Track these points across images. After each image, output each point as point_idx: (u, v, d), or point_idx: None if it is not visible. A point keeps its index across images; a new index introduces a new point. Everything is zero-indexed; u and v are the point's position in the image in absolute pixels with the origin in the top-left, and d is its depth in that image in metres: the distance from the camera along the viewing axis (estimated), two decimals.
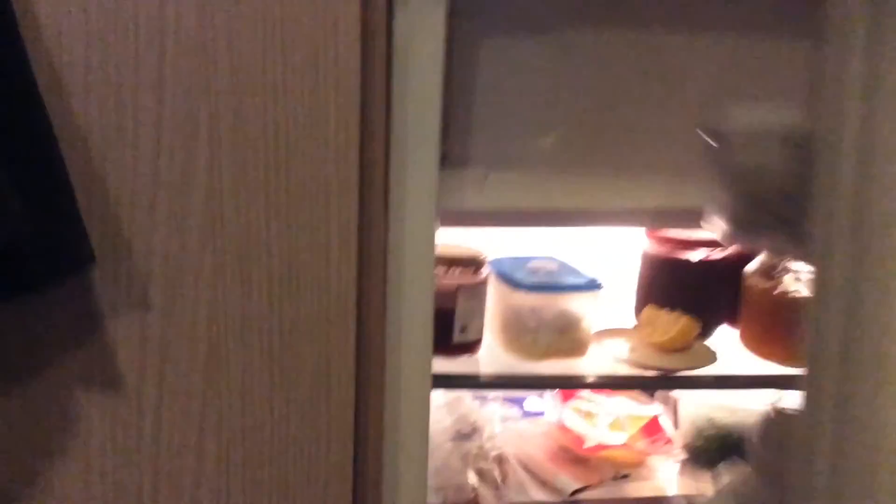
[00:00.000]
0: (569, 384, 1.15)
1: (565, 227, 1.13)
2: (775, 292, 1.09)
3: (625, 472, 1.17)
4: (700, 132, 0.94)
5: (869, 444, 0.66)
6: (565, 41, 0.98)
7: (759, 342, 1.11)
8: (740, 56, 1.03)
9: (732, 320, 1.15)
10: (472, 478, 1.11)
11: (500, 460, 1.15)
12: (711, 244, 1.13)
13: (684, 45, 1.01)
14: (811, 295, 0.74)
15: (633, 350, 1.10)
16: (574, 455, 1.17)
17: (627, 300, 1.19)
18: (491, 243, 1.11)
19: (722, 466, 1.15)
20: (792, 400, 1.20)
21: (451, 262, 1.04)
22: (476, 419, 1.15)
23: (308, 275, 0.77)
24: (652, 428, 1.19)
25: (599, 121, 1.01)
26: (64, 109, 0.69)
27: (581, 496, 1.12)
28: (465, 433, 1.13)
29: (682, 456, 1.17)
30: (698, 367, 1.08)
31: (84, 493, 0.76)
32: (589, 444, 1.16)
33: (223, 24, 0.71)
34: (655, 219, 1.10)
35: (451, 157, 0.94)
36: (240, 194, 0.74)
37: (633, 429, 1.19)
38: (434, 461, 1.05)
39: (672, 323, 1.09)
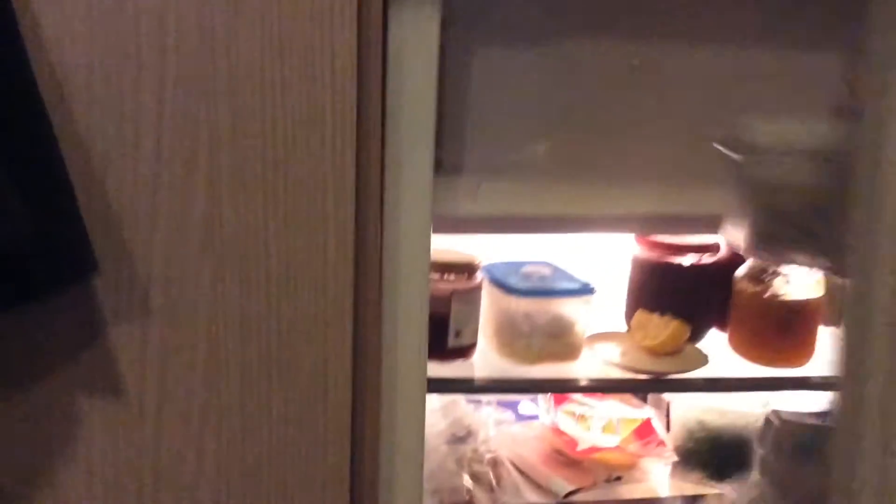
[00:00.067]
0: (562, 388, 1.15)
1: (557, 233, 1.14)
2: (765, 296, 1.10)
3: (617, 474, 1.17)
4: (719, 146, 0.94)
5: None
6: (557, 51, 0.99)
7: (748, 345, 1.13)
8: (731, 65, 1.03)
9: (722, 324, 1.16)
10: (467, 480, 1.11)
11: (495, 463, 1.16)
12: (701, 249, 1.14)
13: (674, 54, 1.02)
14: (848, 306, 0.74)
15: (624, 354, 1.11)
16: (567, 458, 1.17)
17: (619, 305, 1.19)
18: (485, 248, 1.11)
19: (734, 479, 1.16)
20: (782, 403, 1.22)
21: (446, 267, 1.05)
22: (471, 423, 1.15)
23: (305, 280, 0.78)
24: (644, 430, 1.19)
25: (591, 129, 1.02)
26: (64, 115, 0.70)
27: (574, 498, 1.13)
28: (460, 436, 1.13)
29: (674, 458, 1.18)
30: (689, 370, 1.09)
31: (86, 495, 0.77)
32: (582, 446, 1.16)
33: (223, 29, 0.72)
34: (646, 225, 1.11)
35: (445, 165, 0.94)
36: (239, 199, 0.75)
37: (626, 431, 1.19)
38: (429, 464, 1.05)
39: (662, 327, 1.11)
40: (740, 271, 1.13)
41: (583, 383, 1.09)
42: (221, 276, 0.76)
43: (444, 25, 0.83)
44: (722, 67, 1.03)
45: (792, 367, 1.12)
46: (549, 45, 0.99)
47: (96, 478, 0.77)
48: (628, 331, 1.15)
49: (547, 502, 1.13)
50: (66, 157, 0.68)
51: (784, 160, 0.91)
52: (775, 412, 1.04)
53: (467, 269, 1.07)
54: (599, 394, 1.23)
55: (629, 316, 1.16)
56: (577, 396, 1.23)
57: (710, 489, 1.18)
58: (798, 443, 0.95)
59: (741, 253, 1.07)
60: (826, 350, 1.16)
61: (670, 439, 1.19)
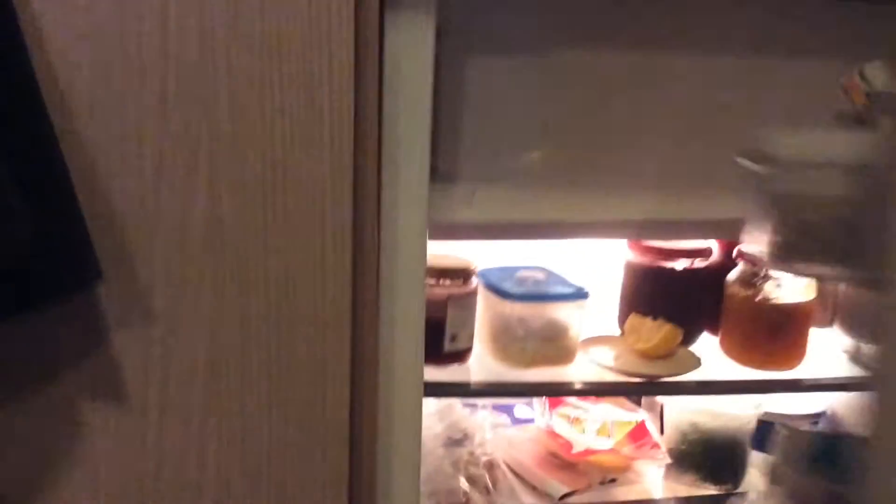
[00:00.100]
0: (556, 391, 1.15)
1: (552, 239, 1.14)
2: (756, 300, 1.11)
3: (612, 476, 1.18)
4: (741, 159, 0.94)
5: None
6: (550, 60, 0.99)
7: (739, 349, 1.13)
8: (725, 73, 1.04)
9: (713, 328, 1.17)
10: (464, 483, 1.11)
11: (491, 466, 1.16)
12: (692, 254, 1.14)
13: (666, 62, 1.03)
14: (885, 318, 0.74)
15: (618, 357, 1.11)
16: (562, 460, 1.18)
17: (612, 309, 1.20)
18: (480, 254, 1.11)
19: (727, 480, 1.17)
20: (774, 405, 1.23)
21: (442, 272, 1.05)
22: (467, 426, 1.16)
23: (304, 285, 0.78)
24: (638, 433, 1.19)
25: (583, 137, 1.03)
26: (66, 122, 0.71)
27: (569, 500, 1.13)
28: (457, 439, 1.14)
29: (668, 460, 1.18)
30: (681, 374, 1.09)
31: (90, 499, 0.77)
32: (577, 449, 1.16)
33: (222, 46, 0.73)
34: (639, 230, 1.11)
35: (440, 172, 0.94)
36: (238, 209, 0.76)
37: (620, 434, 1.19)
38: (426, 467, 1.05)
39: (655, 331, 1.11)
40: (731, 275, 1.14)
41: (577, 387, 1.09)
42: (221, 280, 0.76)
43: (440, 34, 0.83)
44: (716, 75, 1.04)
45: (783, 369, 1.13)
46: (543, 54, 0.99)
47: (100, 481, 0.77)
48: (622, 335, 1.16)
49: None
50: (72, 175, 0.69)
51: (808, 172, 0.90)
52: (783, 424, 1.02)
53: (463, 274, 1.07)
54: (594, 397, 1.23)
55: (622, 320, 1.17)
56: (572, 400, 1.23)
57: (704, 490, 1.19)
58: (809, 452, 0.94)
59: (763, 263, 1.08)
60: (816, 353, 1.18)
61: (664, 442, 1.19)
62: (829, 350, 1.21)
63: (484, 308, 1.11)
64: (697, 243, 1.16)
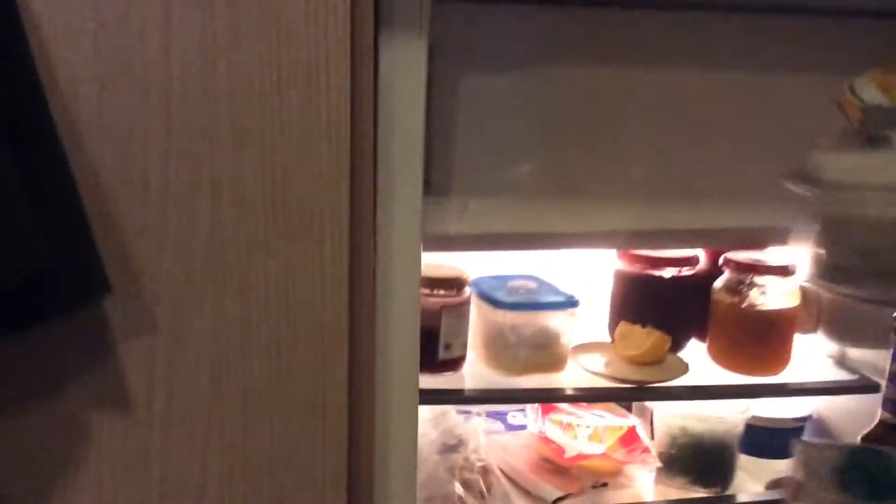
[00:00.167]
0: (548, 397, 1.16)
1: (543, 249, 1.15)
2: (741, 306, 1.12)
3: (604, 480, 1.18)
4: (789, 182, 0.95)
5: None
6: (539, 76, 1.01)
7: (726, 354, 1.15)
8: (706, 88, 1.06)
9: (701, 334, 1.18)
10: (458, 488, 1.12)
11: (485, 471, 1.16)
12: (680, 262, 1.16)
13: (652, 77, 1.04)
14: None
15: (608, 364, 1.12)
16: (555, 465, 1.18)
17: (603, 317, 1.21)
18: (473, 264, 1.13)
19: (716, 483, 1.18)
20: (761, 409, 1.25)
21: (436, 282, 1.06)
22: (461, 432, 1.16)
23: (303, 297, 0.79)
24: (629, 438, 1.20)
25: (573, 150, 1.04)
26: (74, 141, 0.72)
27: None
28: (451, 446, 1.14)
29: (658, 464, 1.19)
30: (670, 379, 1.11)
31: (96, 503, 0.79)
32: (569, 454, 1.17)
33: (224, 68, 0.75)
34: (627, 240, 1.12)
35: (434, 186, 0.96)
36: (240, 229, 0.77)
37: (612, 439, 1.19)
38: (422, 472, 1.07)
39: (644, 338, 1.13)
40: (718, 283, 1.15)
41: (569, 393, 1.10)
42: (224, 294, 0.78)
43: (432, 53, 0.85)
44: (701, 89, 1.06)
45: (769, 374, 1.14)
46: (533, 71, 1.01)
47: (106, 485, 0.78)
48: (612, 342, 1.17)
49: None
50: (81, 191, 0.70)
51: (861, 194, 0.91)
52: (801, 441, 1.01)
53: (456, 284, 1.08)
54: (585, 403, 1.24)
55: (612, 327, 1.18)
56: (564, 406, 1.24)
57: (694, 493, 1.20)
58: (834, 467, 0.94)
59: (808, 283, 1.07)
60: (802, 358, 1.20)
61: (654, 446, 1.20)
62: (814, 355, 1.24)
63: (477, 317, 1.12)
64: (684, 252, 1.17)
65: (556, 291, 1.15)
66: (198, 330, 0.78)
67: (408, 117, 0.85)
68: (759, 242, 1.16)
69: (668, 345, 1.14)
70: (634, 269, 1.17)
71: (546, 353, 1.11)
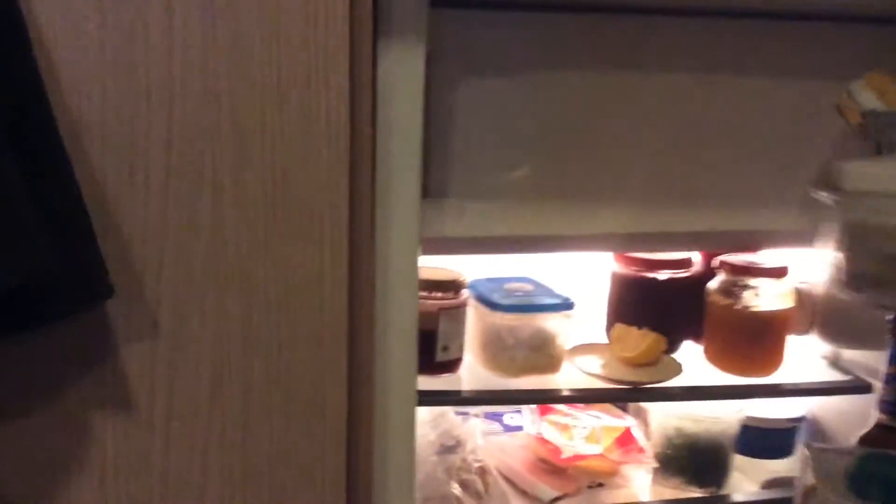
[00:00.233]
0: (545, 398, 1.17)
1: (539, 252, 1.15)
2: (735, 308, 1.13)
3: (600, 480, 1.18)
4: (814, 189, 0.95)
5: None
6: (535, 81, 1.01)
7: (720, 355, 1.15)
8: (700, 92, 1.06)
9: (696, 335, 1.19)
10: (456, 488, 1.12)
11: (483, 472, 1.17)
12: (675, 264, 1.16)
13: (647, 81, 1.05)
14: None
15: (604, 365, 1.13)
16: (552, 466, 1.18)
17: (599, 318, 1.21)
18: (470, 266, 1.13)
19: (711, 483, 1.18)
20: (755, 410, 1.25)
21: (433, 285, 1.06)
22: (459, 433, 1.16)
23: (303, 299, 0.80)
24: (625, 439, 1.20)
25: (569, 154, 1.04)
26: (79, 149, 0.73)
27: None
28: (449, 446, 1.14)
29: (654, 464, 1.20)
30: (665, 380, 1.11)
31: (98, 503, 0.80)
32: (566, 455, 1.17)
33: (226, 78, 0.76)
34: (623, 243, 1.13)
35: (432, 189, 0.97)
36: (240, 230, 0.78)
37: (608, 440, 1.20)
38: (420, 473, 1.07)
39: (640, 339, 1.13)
40: (711, 285, 1.16)
41: (565, 394, 1.11)
42: (225, 297, 0.79)
43: (430, 59, 0.86)
44: (695, 93, 1.06)
45: (763, 375, 1.15)
46: (530, 75, 1.01)
47: (109, 486, 0.79)
48: (608, 343, 1.18)
49: None
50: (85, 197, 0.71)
51: (876, 202, 0.90)
52: (808, 444, 0.99)
53: (453, 286, 1.09)
54: (582, 404, 1.24)
55: (609, 329, 1.18)
56: (561, 407, 1.24)
57: (690, 493, 1.20)
58: (847, 472, 0.93)
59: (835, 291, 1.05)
60: (796, 359, 1.20)
61: (650, 447, 1.21)
62: (808, 356, 1.24)
63: (474, 319, 1.13)
64: (679, 254, 1.18)
65: (553, 294, 1.15)
66: (198, 331, 0.79)
67: (406, 121, 0.86)
68: (753, 245, 1.17)
69: (664, 346, 1.14)
70: (630, 271, 1.17)
71: (542, 354, 1.12)
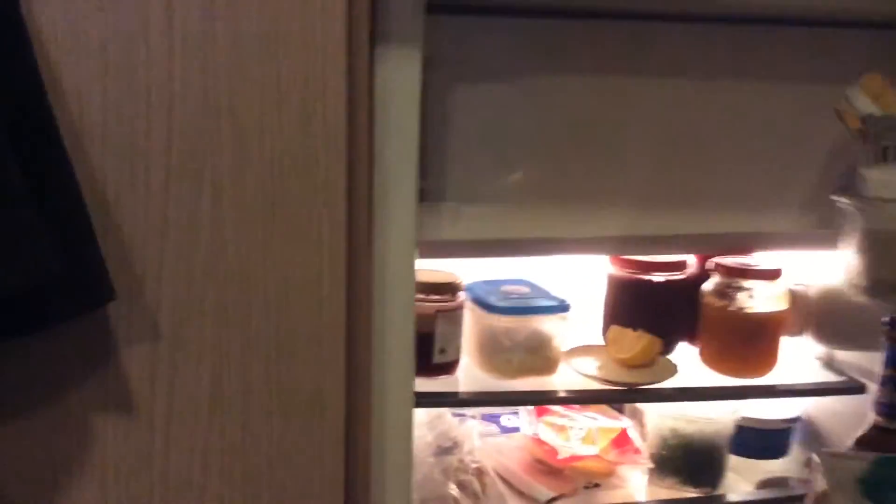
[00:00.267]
0: (541, 400, 1.17)
1: (535, 255, 1.16)
2: (730, 310, 1.14)
3: (596, 481, 1.19)
4: (838, 196, 0.96)
5: None
6: (531, 86, 1.02)
7: (715, 357, 1.16)
8: (695, 97, 1.07)
9: (691, 337, 1.20)
10: (454, 489, 1.13)
11: (480, 473, 1.17)
12: (670, 267, 1.17)
13: (642, 86, 1.05)
14: None
15: (600, 367, 1.13)
16: (548, 466, 1.19)
17: (595, 320, 1.22)
18: (467, 269, 1.14)
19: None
20: (750, 410, 1.26)
21: (430, 288, 1.07)
22: (456, 435, 1.16)
23: (302, 303, 0.81)
24: (621, 440, 1.20)
25: (564, 158, 1.05)
26: (84, 165, 0.74)
27: None
28: (447, 448, 1.14)
29: (650, 465, 1.20)
30: (660, 381, 1.12)
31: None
32: (562, 455, 1.17)
33: (225, 86, 0.77)
34: (618, 246, 1.14)
35: (428, 193, 0.97)
36: (240, 235, 0.79)
37: (604, 441, 1.20)
38: (418, 474, 1.07)
39: (636, 341, 1.14)
40: (706, 287, 1.16)
41: (561, 395, 1.11)
42: (224, 300, 0.80)
43: (426, 65, 0.87)
44: (690, 98, 1.07)
45: (757, 376, 1.16)
46: (525, 80, 1.02)
47: (110, 488, 0.80)
48: (604, 345, 1.18)
49: None
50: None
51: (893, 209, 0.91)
52: (821, 451, 0.99)
53: (450, 289, 1.09)
54: (579, 406, 1.24)
55: (605, 331, 1.19)
56: (558, 408, 1.24)
57: (685, 493, 1.21)
58: (860, 477, 0.93)
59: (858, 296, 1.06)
60: (790, 360, 1.21)
61: (645, 447, 1.21)
62: (802, 357, 1.25)
63: (471, 321, 1.13)
64: (675, 257, 1.19)
65: (549, 296, 1.16)
66: (198, 331, 0.80)
67: (403, 125, 0.87)
68: (748, 247, 1.18)
69: (659, 348, 1.15)
70: (626, 273, 1.18)
71: (539, 356, 1.13)
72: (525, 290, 1.17)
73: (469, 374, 1.13)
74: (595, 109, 1.05)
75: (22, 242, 0.65)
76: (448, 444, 1.15)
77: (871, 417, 1.05)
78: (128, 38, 0.75)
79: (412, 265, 0.90)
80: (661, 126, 1.07)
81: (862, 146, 0.96)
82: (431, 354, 1.08)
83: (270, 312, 0.81)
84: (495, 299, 1.12)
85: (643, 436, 1.24)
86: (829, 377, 1.22)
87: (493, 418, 1.30)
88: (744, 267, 1.16)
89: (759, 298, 1.15)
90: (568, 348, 1.16)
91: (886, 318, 0.97)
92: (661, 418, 1.22)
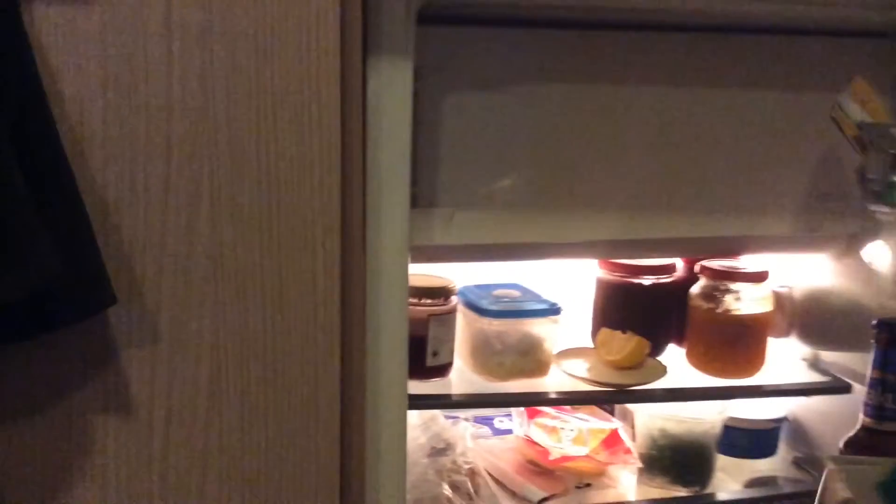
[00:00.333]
0: (533, 401, 1.18)
1: (526, 260, 1.17)
2: (717, 312, 1.15)
3: (587, 481, 1.20)
4: (871, 205, 0.96)
5: None
6: (522, 94, 1.03)
7: (703, 358, 1.17)
8: (683, 105, 1.08)
9: (679, 339, 1.21)
10: (447, 490, 1.13)
11: (473, 474, 1.18)
12: (658, 270, 1.18)
13: (632, 94, 1.07)
14: None
15: (590, 369, 1.15)
16: (540, 467, 1.20)
17: (585, 323, 1.24)
18: (459, 273, 1.14)
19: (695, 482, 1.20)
20: (737, 411, 1.28)
21: (423, 292, 1.08)
22: (449, 436, 1.17)
23: (298, 307, 0.82)
24: (612, 440, 1.21)
25: (554, 164, 1.06)
26: (84, 168, 0.75)
27: None
28: (440, 449, 1.15)
29: (639, 465, 1.21)
30: (649, 382, 1.13)
31: None
32: (554, 456, 1.18)
33: (222, 96, 0.78)
34: (607, 250, 1.15)
35: (420, 199, 0.98)
36: (237, 240, 0.80)
37: (595, 442, 1.21)
38: (411, 476, 1.08)
39: (625, 343, 1.15)
40: (694, 289, 1.18)
41: (552, 396, 1.13)
42: (222, 305, 0.81)
43: (418, 73, 0.88)
44: (678, 105, 1.08)
45: (744, 377, 1.17)
46: (516, 88, 1.03)
47: (110, 489, 0.81)
48: (594, 347, 1.20)
49: None
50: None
51: None
52: (832, 457, 0.97)
53: (443, 293, 1.10)
54: (570, 407, 1.25)
55: (594, 333, 1.20)
56: (549, 410, 1.25)
57: (674, 492, 1.22)
58: (879, 483, 0.91)
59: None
60: (776, 361, 1.23)
61: (635, 447, 1.22)
62: (788, 358, 1.27)
63: (463, 325, 1.15)
64: (662, 260, 1.20)
65: (540, 299, 1.17)
66: (196, 335, 0.81)
67: (396, 133, 0.88)
68: (736, 251, 1.20)
69: (648, 349, 1.16)
70: (615, 277, 1.19)
71: (530, 358, 1.14)
72: (516, 293, 1.18)
73: (462, 377, 1.14)
74: (585, 116, 1.06)
75: (25, 247, 0.66)
76: (441, 445, 1.16)
77: (860, 419, 1.06)
78: (127, 49, 0.76)
79: (405, 270, 0.91)
80: (651, 132, 1.08)
81: (861, 154, 0.97)
82: (424, 357, 1.09)
83: (266, 316, 0.82)
84: (487, 303, 1.13)
85: (633, 436, 1.25)
86: (814, 377, 1.23)
87: (487, 421, 1.31)
88: (730, 270, 1.17)
89: (746, 301, 1.16)
90: (559, 351, 1.18)
91: (875, 322, 0.99)
92: (651, 419, 1.23)
